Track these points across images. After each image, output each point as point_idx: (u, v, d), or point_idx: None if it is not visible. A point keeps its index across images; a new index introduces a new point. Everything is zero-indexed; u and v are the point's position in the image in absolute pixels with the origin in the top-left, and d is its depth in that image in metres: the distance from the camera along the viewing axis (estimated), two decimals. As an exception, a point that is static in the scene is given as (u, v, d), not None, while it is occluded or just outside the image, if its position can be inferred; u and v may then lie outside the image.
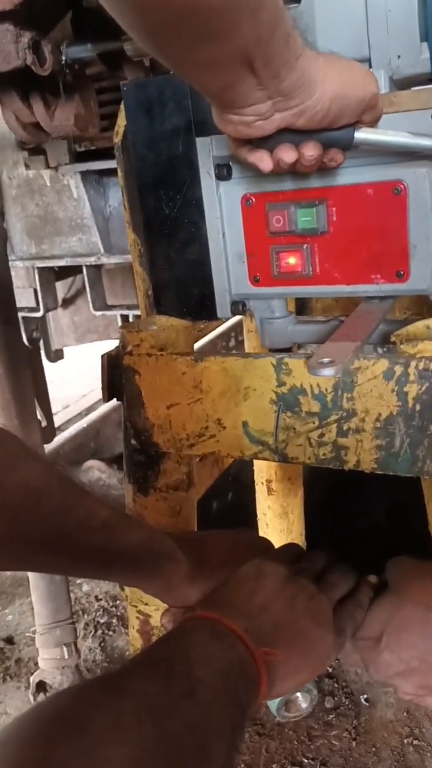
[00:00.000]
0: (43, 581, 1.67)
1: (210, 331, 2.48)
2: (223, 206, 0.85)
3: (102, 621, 2.05)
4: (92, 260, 1.77)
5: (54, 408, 3.06)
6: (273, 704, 1.56)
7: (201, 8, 0.47)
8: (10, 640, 2.05)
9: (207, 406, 0.78)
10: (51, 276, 1.93)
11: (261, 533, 1.49)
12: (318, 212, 0.79)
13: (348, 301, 0.87)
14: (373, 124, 0.69)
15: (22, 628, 2.09)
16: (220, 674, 0.54)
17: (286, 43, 0.54)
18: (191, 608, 0.72)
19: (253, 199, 0.83)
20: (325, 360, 0.67)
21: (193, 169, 0.85)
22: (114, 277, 2.03)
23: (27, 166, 1.68)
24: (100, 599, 2.13)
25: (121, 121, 0.90)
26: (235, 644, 0.58)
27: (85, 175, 1.64)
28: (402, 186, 0.75)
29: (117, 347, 0.85)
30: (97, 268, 1.86)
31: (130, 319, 1.92)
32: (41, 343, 2.23)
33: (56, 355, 2.40)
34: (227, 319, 0.93)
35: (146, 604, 0.88)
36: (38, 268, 1.87)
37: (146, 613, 0.89)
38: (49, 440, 2.38)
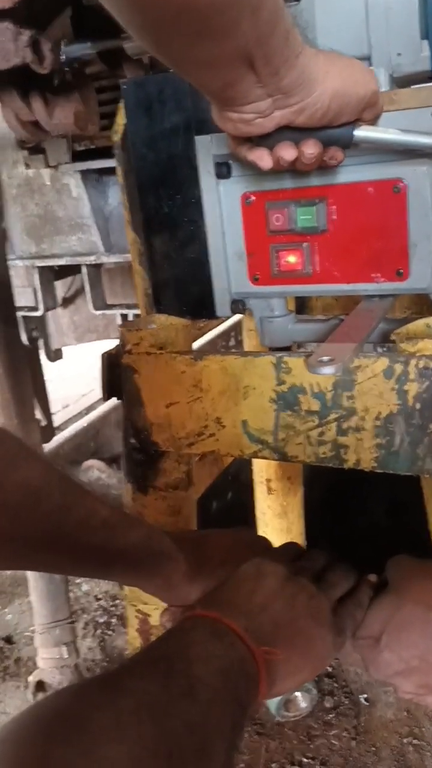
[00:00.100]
0: (42, 581, 1.67)
1: (210, 330, 2.48)
2: (222, 205, 0.85)
3: (101, 620, 2.05)
4: (92, 259, 1.76)
5: (54, 407, 3.06)
6: (273, 704, 1.56)
7: (201, 6, 0.47)
8: (9, 640, 2.05)
9: (206, 404, 0.78)
10: (51, 275, 1.93)
11: (260, 533, 1.48)
12: (318, 211, 0.79)
13: (348, 300, 0.87)
14: (373, 121, 0.69)
15: (21, 627, 2.09)
16: (220, 673, 0.54)
17: (286, 40, 0.54)
18: (191, 607, 0.72)
19: (253, 198, 0.83)
20: (325, 358, 0.67)
21: (192, 167, 0.85)
22: (114, 276, 2.03)
23: (27, 166, 1.68)
24: (100, 599, 2.13)
25: (121, 120, 0.90)
26: (235, 643, 0.58)
27: (84, 174, 1.64)
28: (402, 184, 0.75)
29: (117, 346, 0.85)
30: (96, 268, 1.86)
31: (130, 319, 1.92)
32: (41, 342, 2.23)
33: (56, 355, 2.40)
34: (227, 318, 0.93)
35: (145, 603, 0.88)
36: (38, 267, 1.86)
37: (145, 612, 0.88)
38: (48, 439, 2.38)
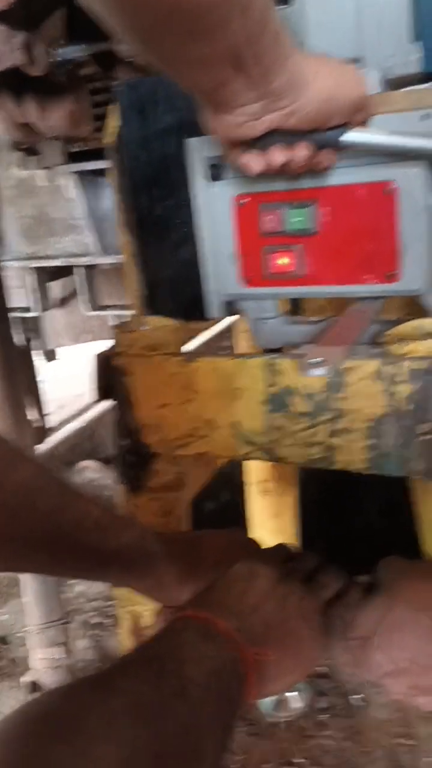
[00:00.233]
0: (36, 582, 1.67)
1: (203, 331, 2.48)
2: (215, 206, 0.85)
3: (95, 621, 2.05)
4: (86, 261, 1.77)
5: (49, 408, 3.06)
6: (266, 704, 1.56)
7: (191, 5, 0.47)
8: (4, 640, 2.05)
9: (198, 406, 0.78)
10: (45, 276, 1.93)
11: (255, 533, 1.48)
12: (309, 213, 0.80)
13: (341, 301, 0.87)
14: (363, 124, 0.69)
15: (17, 627, 2.09)
16: (211, 673, 0.54)
17: (276, 42, 0.55)
18: (182, 608, 0.72)
19: (245, 200, 0.83)
20: (316, 360, 0.68)
21: (185, 169, 0.85)
22: (109, 277, 2.03)
23: (21, 167, 1.68)
24: (93, 600, 2.13)
25: (113, 122, 0.90)
26: (226, 644, 0.58)
27: (79, 175, 1.64)
28: (393, 186, 0.75)
29: (110, 347, 0.85)
30: (90, 269, 1.86)
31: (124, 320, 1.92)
32: (36, 343, 2.23)
33: (51, 355, 2.40)
34: (220, 320, 0.93)
35: (137, 603, 0.88)
36: (32, 268, 1.87)
37: (137, 613, 0.89)
38: (42, 440, 2.38)
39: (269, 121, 0.61)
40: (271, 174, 0.71)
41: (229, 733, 0.54)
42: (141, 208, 0.91)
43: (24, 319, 2.04)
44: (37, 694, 1.64)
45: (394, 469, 0.70)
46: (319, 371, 0.66)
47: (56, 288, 2.13)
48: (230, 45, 0.52)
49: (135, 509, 0.87)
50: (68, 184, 1.67)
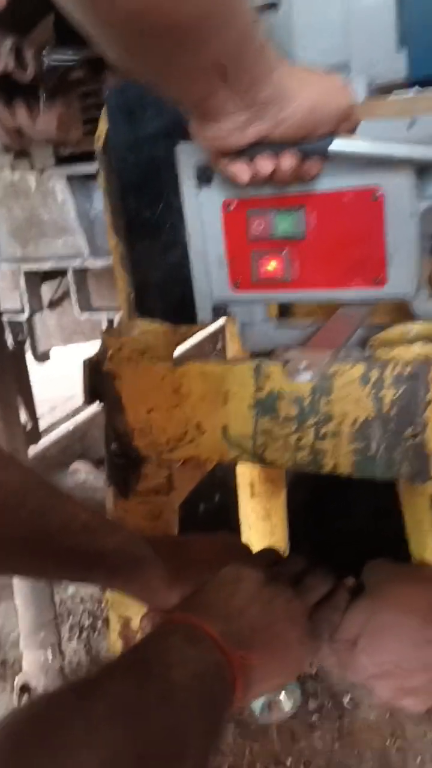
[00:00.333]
0: (27, 583, 1.67)
1: (192, 335, 2.48)
2: (203, 211, 0.86)
3: (87, 623, 2.05)
4: (77, 263, 1.77)
5: (41, 410, 3.05)
6: (256, 706, 1.57)
7: (174, 21, 0.47)
8: (-5, 643, 2.05)
9: (187, 410, 0.79)
10: (36, 278, 1.93)
11: (244, 536, 1.49)
12: (297, 218, 0.80)
13: (329, 305, 0.88)
14: (349, 133, 0.69)
15: (7, 629, 2.09)
16: (196, 677, 0.55)
17: (261, 54, 0.55)
18: (170, 611, 0.73)
19: (234, 204, 0.83)
20: (303, 365, 0.68)
21: (174, 173, 0.86)
22: (101, 279, 2.03)
23: (12, 169, 1.67)
24: (85, 601, 2.13)
25: (103, 126, 0.90)
26: (212, 648, 0.58)
27: (70, 178, 1.64)
28: (380, 192, 0.76)
29: (98, 351, 0.86)
30: (82, 271, 1.86)
31: (116, 322, 1.92)
32: (28, 344, 2.23)
33: (43, 357, 2.40)
34: (209, 324, 0.94)
35: (127, 606, 0.88)
36: (24, 270, 1.86)
37: (127, 616, 0.89)
38: (34, 442, 2.38)
39: (255, 131, 0.62)
40: (258, 183, 0.72)
41: (215, 735, 0.55)
42: (129, 212, 0.91)
43: (15, 321, 2.03)
44: (27, 697, 1.65)
45: (380, 472, 0.71)
46: (305, 376, 0.66)
47: (48, 290, 2.13)
48: (215, 58, 0.52)
49: (123, 512, 0.87)
50: (59, 187, 1.67)
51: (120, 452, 0.84)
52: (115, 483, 0.87)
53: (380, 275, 0.79)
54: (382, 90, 0.81)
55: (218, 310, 0.91)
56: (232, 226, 0.84)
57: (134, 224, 0.91)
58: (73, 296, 1.89)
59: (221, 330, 2.57)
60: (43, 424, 3.10)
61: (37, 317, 2.19)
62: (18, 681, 1.73)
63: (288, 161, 0.66)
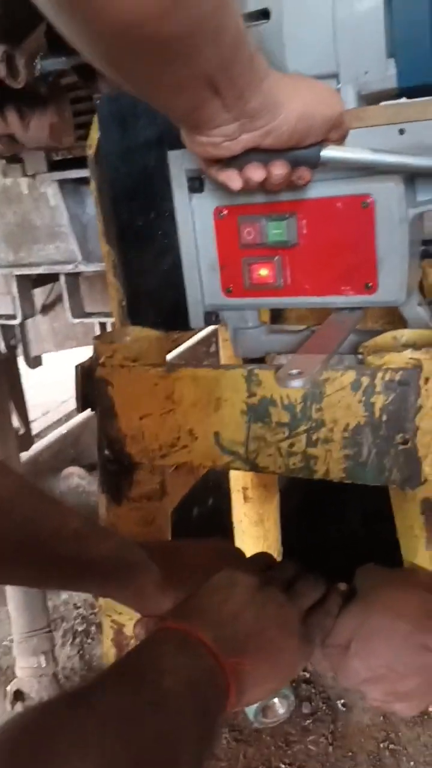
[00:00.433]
0: (20, 591, 1.67)
1: (184, 341, 2.49)
2: (195, 218, 0.86)
3: (80, 629, 2.05)
4: (70, 268, 1.77)
5: (33, 414, 3.05)
6: (250, 710, 1.57)
7: (162, 35, 0.47)
8: (-12, 649, 2.04)
9: (179, 416, 0.79)
10: (29, 283, 1.93)
11: (237, 540, 1.49)
12: (288, 225, 0.81)
13: (321, 310, 0.88)
14: (339, 141, 0.70)
15: (0, 636, 2.08)
16: (189, 684, 0.55)
17: (250, 65, 0.55)
18: (163, 618, 0.73)
19: (225, 212, 0.84)
20: (294, 371, 0.69)
21: (166, 181, 0.86)
22: (93, 284, 2.03)
23: (4, 175, 1.68)
24: (79, 607, 2.12)
25: (95, 134, 0.91)
26: (204, 655, 0.58)
27: (62, 183, 1.64)
28: (370, 200, 0.76)
29: (91, 358, 0.86)
30: (74, 276, 1.86)
31: (108, 327, 1.92)
32: (20, 349, 2.23)
33: (35, 362, 2.39)
34: (201, 329, 0.94)
35: (120, 613, 0.88)
36: (16, 275, 1.86)
37: (120, 622, 0.89)
38: (26, 448, 2.37)
39: (245, 140, 0.62)
40: (249, 191, 0.72)
41: (209, 741, 0.55)
42: (121, 219, 0.91)
43: (8, 326, 2.03)
44: (21, 703, 1.64)
45: (371, 478, 0.71)
46: (297, 383, 0.67)
47: (40, 295, 2.13)
48: (204, 71, 0.52)
49: (116, 518, 0.87)
50: (51, 192, 1.67)
51: (112, 458, 0.85)
52: (108, 489, 0.87)
53: (371, 282, 0.80)
54: (371, 99, 0.81)
55: (210, 317, 0.91)
56: (224, 233, 0.85)
57: (126, 232, 0.91)
58: (66, 301, 1.89)
59: (215, 333, 2.57)
60: (36, 429, 3.10)
61: (29, 322, 2.19)
62: (11, 687, 1.73)
63: (279, 169, 0.66)
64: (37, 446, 2.83)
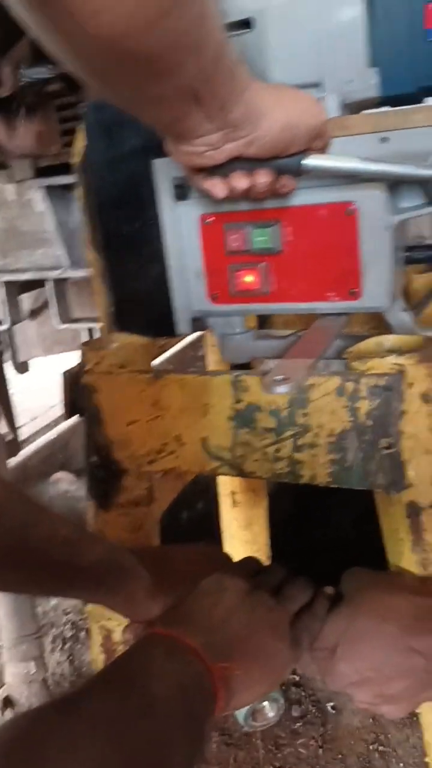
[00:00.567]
0: (8, 596, 1.66)
1: (171, 347, 2.49)
2: (181, 225, 0.87)
3: (70, 635, 2.04)
4: (57, 273, 1.77)
5: (21, 420, 3.04)
6: (240, 714, 1.56)
7: (143, 51, 0.48)
8: (-23, 656, 2.03)
9: (166, 422, 0.80)
10: (16, 289, 1.93)
11: (226, 544, 1.50)
12: (273, 232, 0.81)
13: (308, 316, 0.89)
14: (323, 150, 0.71)
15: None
16: (177, 689, 0.55)
17: (232, 76, 0.56)
18: (152, 623, 0.73)
19: (211, 219, 0.85)
20: (279, 377, 0.69)
21: (151, 189, 0.87)
22: (81, 289, 2.03)
23: (-9, 181, 1.68)
24: (68, 613, 2.12)
25: (81, 142, 0.91)
26: (193, 660, 0.59)
27: (48, 189, 1.64)
28: (353, 207, 0.77)
29: (77, 364, 0.86)
30: (61, 282, 1.87)
31: (96, 332, 1.92)
32: (7, 355, 2.23)
33: (23, 367, 2.39)
34: (187, 335, 0.95)
35: (109, 619, 0.88)
36: (3, 281, 1.87)
37: (108, 628, 0.89)
38: (14, 453, 2.37)
39: (229, 150, 0.63)
40: (234, 199, 0.73)
41: (198, 745, 0.56)
42: (108, 227, 0.92)
43: (-5, 332, 2.03)
44: (10, 710, 1.64)
45: (356, 482, 0.72)
46: (282, 388, 0.67)
47: (27, 300, 2.13)
48: (185, 83, 0.53)
49: (104, 525, 0.87)
50: (38, 198, 1.67)
51: (100, 465, 0.85)
52: (96, 495, 0.88)
53: (355, 288, 0.81)
54: (354, 108, 0.82)
55: (197, 323, 0.92)
56: (210, 240, 0.86)
57: (113, 239, 0.92)
58: (53, 307, 1.89)
59: (202, 337, 2.58)
60: (24, 434, 3.09)
61: (17, 328, 2.19)
62: (1, 694, 1.72)
63: (263, 178, 0.67)
64: (25, 452, 2.82)
